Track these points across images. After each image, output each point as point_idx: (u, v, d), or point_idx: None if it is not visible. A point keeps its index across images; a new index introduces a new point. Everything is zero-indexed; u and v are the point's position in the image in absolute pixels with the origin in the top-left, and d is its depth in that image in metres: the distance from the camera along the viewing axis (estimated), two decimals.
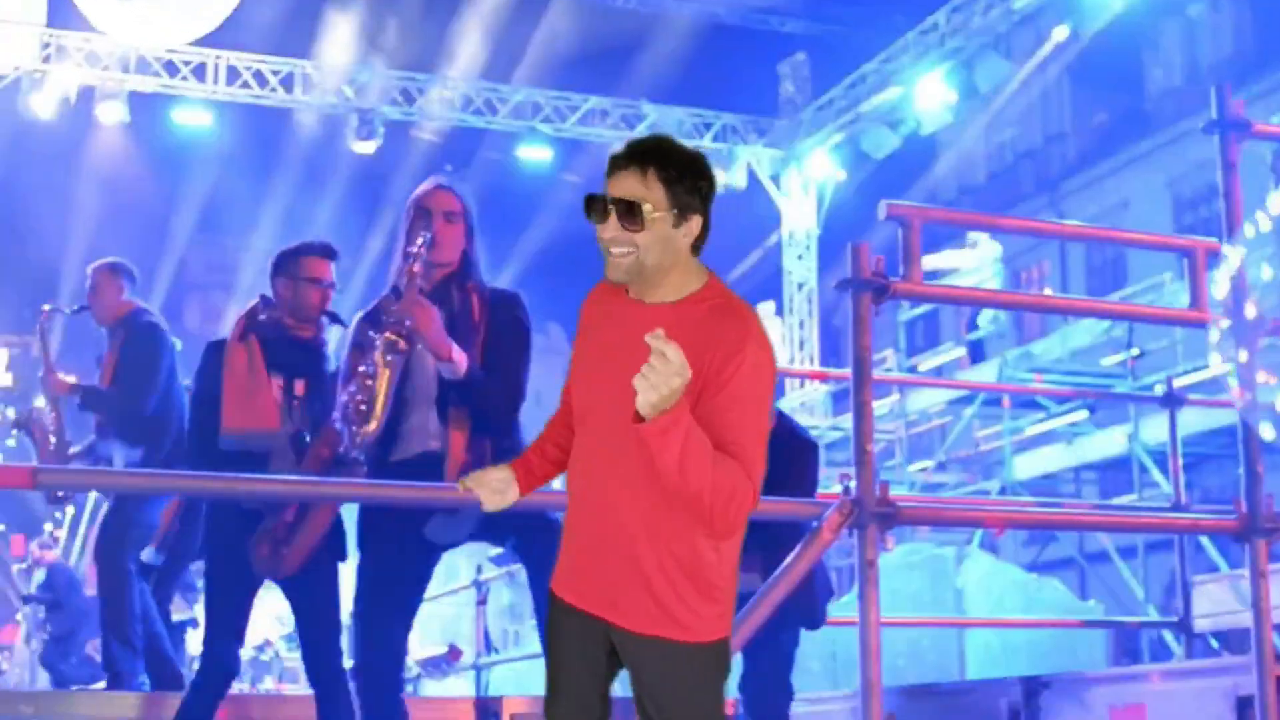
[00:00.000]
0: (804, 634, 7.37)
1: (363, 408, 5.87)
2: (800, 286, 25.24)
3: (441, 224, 6.09)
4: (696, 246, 3.86)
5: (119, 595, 8.79)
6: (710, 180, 3.87)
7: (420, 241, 5.97)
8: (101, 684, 8.93)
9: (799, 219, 25.33)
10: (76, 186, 29.09)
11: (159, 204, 31.29)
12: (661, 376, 3.42)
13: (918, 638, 13.48)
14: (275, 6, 23.66)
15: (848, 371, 5.96)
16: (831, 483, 17.72)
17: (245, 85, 22.37)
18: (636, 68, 25.43)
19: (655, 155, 3.80)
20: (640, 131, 23.59)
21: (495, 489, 4.14)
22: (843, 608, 15.58)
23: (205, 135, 23.48)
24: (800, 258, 25.34)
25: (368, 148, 22.44)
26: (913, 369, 21.81)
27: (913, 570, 14.37)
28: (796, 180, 25.22)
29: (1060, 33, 20.20)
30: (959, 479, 21.27)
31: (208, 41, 21.91)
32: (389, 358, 5.85)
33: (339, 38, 23.45)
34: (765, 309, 23.20)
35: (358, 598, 6.01)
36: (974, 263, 19.09)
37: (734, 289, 3.89)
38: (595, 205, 3.82)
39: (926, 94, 21.34)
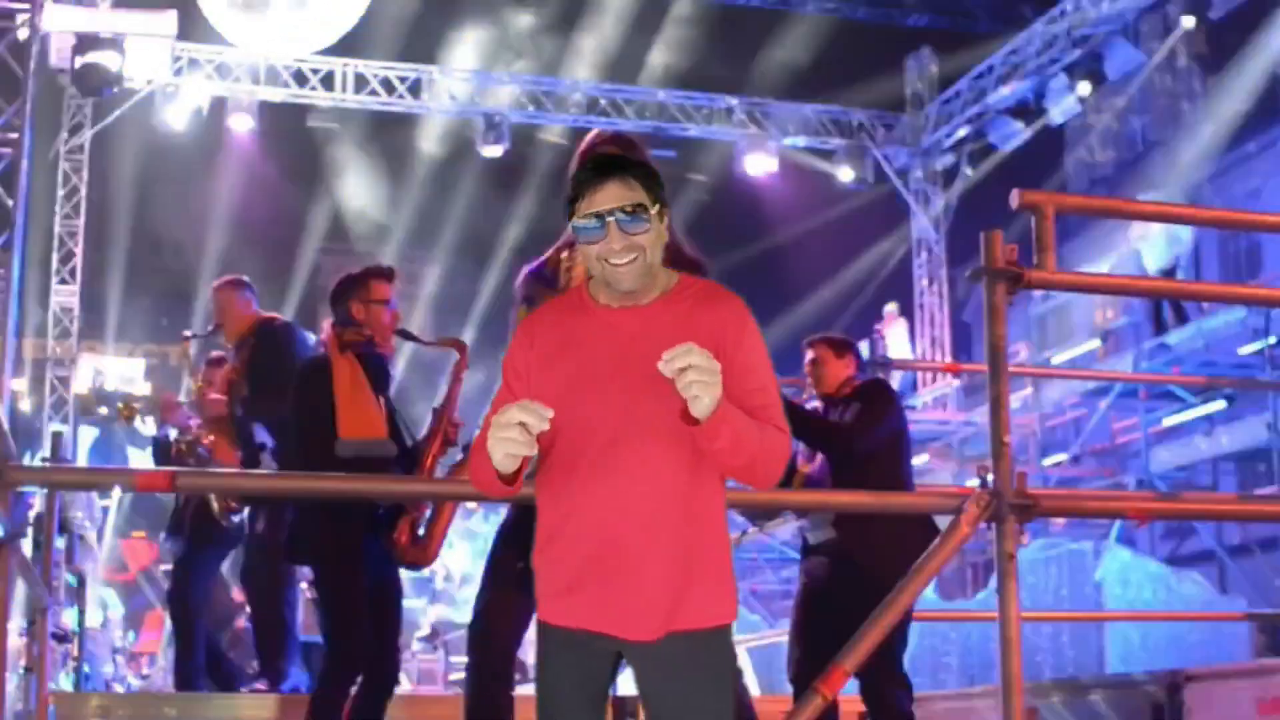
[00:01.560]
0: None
1: None
2: (930, 282, 25.08)
3: None
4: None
5: (272, 599, 8.97)
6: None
7: None
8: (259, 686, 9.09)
9: (927, 213, 25.17)
10: (209, 196, 29.46)
11: (290, 212, 31.61)
12: (709, 377, 3.55)
13: (1057, 632, 13.38)
14: (401, 14, 23.83)
15: (981, 365, 5.90)
16: (967, 477, 17.60)
17: (373, 92, 22.57)
18: (762, 66, 25.38)
19: (630, 163, 3.91)
20: (767, 130, 23.59)
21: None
22: (978, 603, 15.51)
23: (335, 143, 23.77)
24: (929, 252, 25.19)
25: (495, 151, 22.56)
26: (1045, 362, 21.62)
27: (1051, 565, 14.25)
28: (924, 174, 25.07)
29: (1188, 20, 19.91)
30: (1094, 472, 21.06)
31: (335, 50, 22.14)
32: None
33: (465, 43, 23.63)
34: (890, 309, 23.07)
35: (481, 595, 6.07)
36: None
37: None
38: (592, 223, 3.81)
39: (1054, 83, 21.14)
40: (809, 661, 6.98)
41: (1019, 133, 22.46)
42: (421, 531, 6.84)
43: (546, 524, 3.97)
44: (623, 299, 3.91)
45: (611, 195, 3.82)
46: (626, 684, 4.10)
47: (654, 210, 3.85)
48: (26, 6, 18.04)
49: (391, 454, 6.80)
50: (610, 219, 3.80)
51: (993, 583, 5.46)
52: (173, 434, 9.98)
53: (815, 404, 7.76)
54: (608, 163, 3.90)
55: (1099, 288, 7.28)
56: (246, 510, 9.15)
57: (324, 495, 6.36)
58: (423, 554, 6.81)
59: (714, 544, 3.93)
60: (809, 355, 7.73)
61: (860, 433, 7.28)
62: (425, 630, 17.37)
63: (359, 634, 6.69)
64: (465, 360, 7.18)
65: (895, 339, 21.97)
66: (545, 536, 3.96)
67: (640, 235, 3.82)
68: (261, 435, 8.77)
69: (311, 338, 9.06)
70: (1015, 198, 5.24)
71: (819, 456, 7.53)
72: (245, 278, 9.53)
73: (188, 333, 9.90)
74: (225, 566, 10.64)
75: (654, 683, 3.90)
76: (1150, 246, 18.25)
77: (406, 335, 7.26)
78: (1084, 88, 21.00)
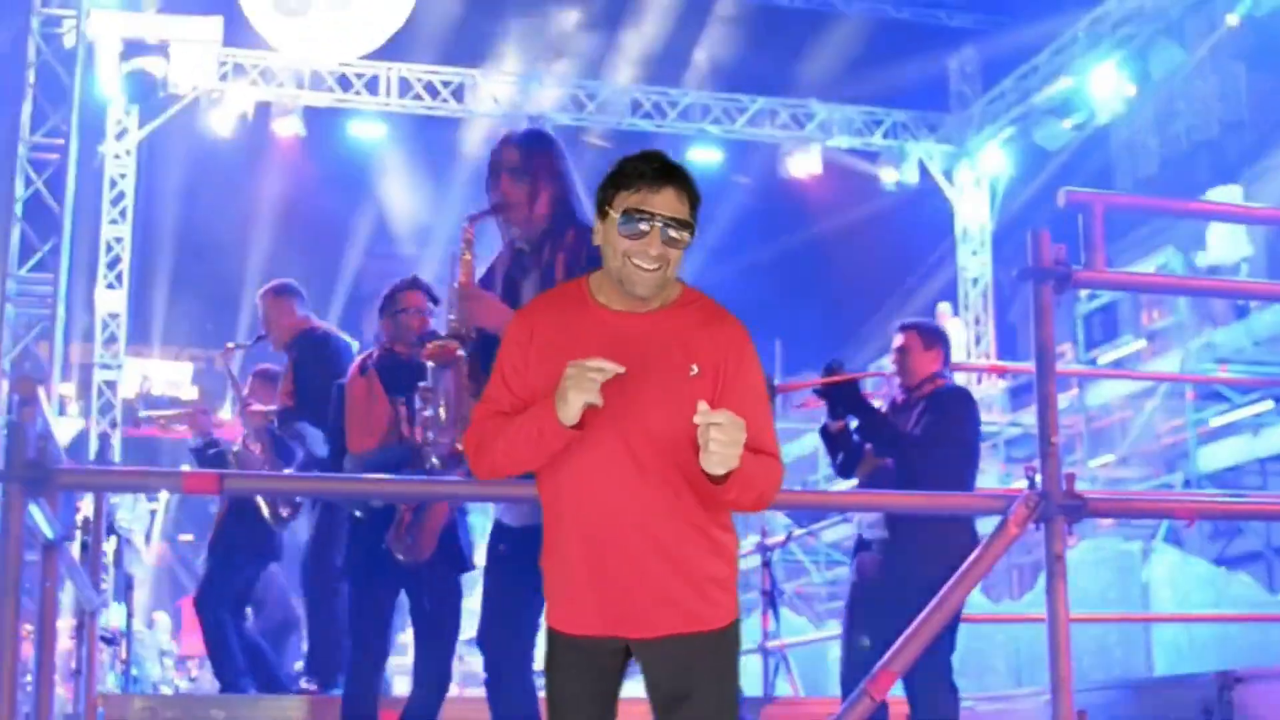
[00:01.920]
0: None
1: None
2: (975, 282, 25.00)
3: None
4: None
5: (325, 600, 9.02)
6: None
7: None
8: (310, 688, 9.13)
9: (972, 214, 25.09)
10: (254, 201, 29.55)
11: (335, 216, 31.68)
12: (733, 441, 3.63)
13: (1104, 634, 13.29)
14: (444, 18, 23.88)
15: (1028, 365, 5.87)
16: (1013, 479, 17.53)
17: (417, 96, 22.64)
18: (805, 66, 25.33)
19: (687, 178, 3.90)
20: (810, 131, 23.56)
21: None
22: (1024, 605, 15.44)
23: (379, 147, 23.83)
24: (974, 253, 25.11)
25: None
26: (1091, 363, 21.50)
27: (1098, 566, 14.16)
28: (969, 175, 24.99)
29: (1233, 18, 19.78)
30: (1142, 473, 20.94)
31: (379, 55, 22.19)
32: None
33: (508, 46, 23.67)
34: (942, 308, 23.00)
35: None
36: None
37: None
38: (640, 221, 3.82)
39: (1099, 83, 21.05)
40: (855, 660, 6.96)
41: (1064, 132, 22.35)
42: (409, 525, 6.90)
43: (549, 529, 4.00)
44: (629, 302, 3.91)
45: (668, 202, 3.83)
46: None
47: (693, 232, 3.87)
48: (73, 14, 18.16)
49: (392, 458, 6.87)
50: (657, 224, 3.81)
51: (1039, 584, 5.44)
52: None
53: (893, 394, 7.64)
54: (671, 169, 3.89)
55: (1149, 287, 7.22)
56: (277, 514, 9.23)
57: (368, 496, 6.39)
58: (412, 548, 6.83)
59: (714, 543, 3.95)
60: (898, 341, 7.51)
61: (928, 448, 7.14)
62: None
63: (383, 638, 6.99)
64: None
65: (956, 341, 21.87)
66: (549, 542, 4.00)
67: (675, 250, 3.84)
68: (307, 437, 8.78)
69: (354, 344, 9.11)
70: (1063, 196, 5.22)
71: None
72: (291, 281, 9.55)
73: (231, 344, 9.93)
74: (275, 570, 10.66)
75: (662, 681, 3.93)
76: (1220, 242, 18.19)
77: (433, 336, 7.27)
78: (1129, 86, 20.89)
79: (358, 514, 6.93)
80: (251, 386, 9.90)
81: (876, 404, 7.59)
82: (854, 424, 7.42)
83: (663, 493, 3.85)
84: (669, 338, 3.87)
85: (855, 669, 6.88)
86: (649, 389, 3.81)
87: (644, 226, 3.81)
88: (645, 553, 3.85)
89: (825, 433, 7.57)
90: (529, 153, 5.85)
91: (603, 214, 3.89)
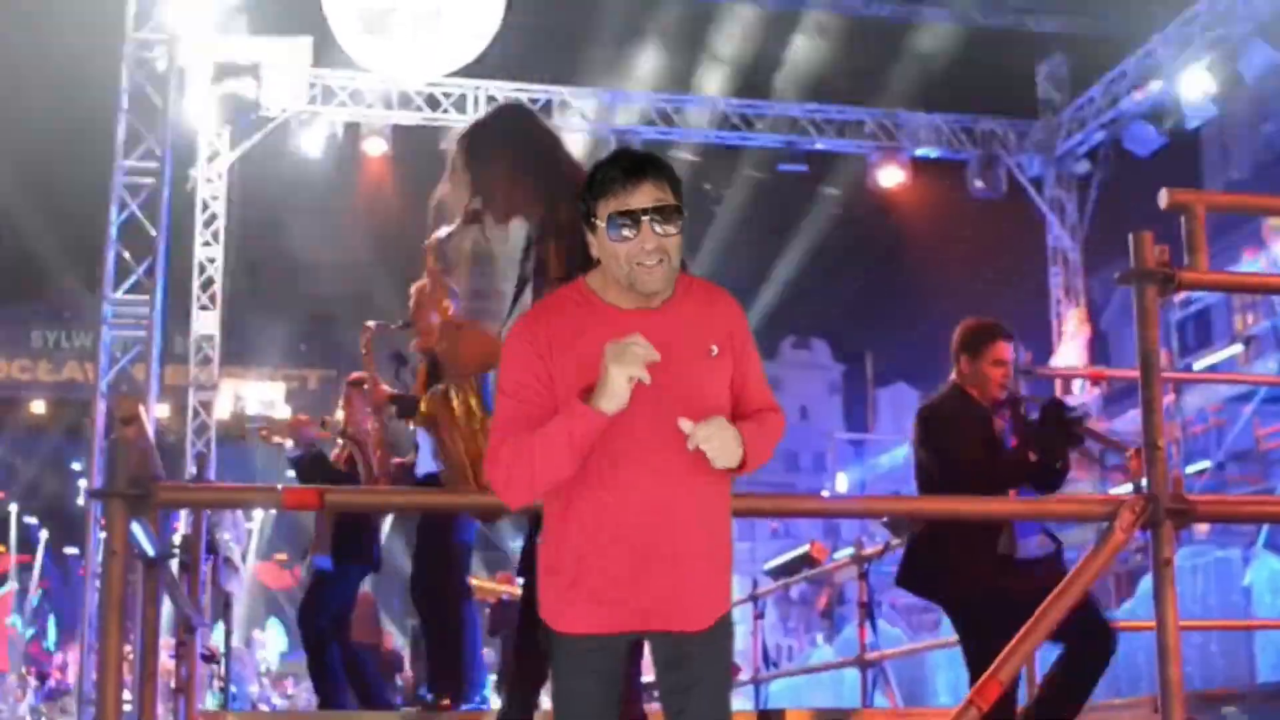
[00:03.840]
0: None
1: None
2: (1066, 291, 24.79)
3: None
4: None
5: (448, 614, 9.01)
6: None
7: None
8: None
9: (1062, 222, 24.89)
10: (345, 221, 29.74)
11: (425, 235, 31.84)
12: (724, 442, 3.84)
13: (1205, 641, 13.17)
14: (530, 35, 23.94)
15: (1129, 371, 5.78)
16: (1109, 487, 17.36)
17: None
18: (892, 77, 25.23)
19: (660, 165, 3.95)
20: (898, 142, 23.44)
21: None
22: (1125, 613, 15.30)
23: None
24: (1065, 261, 24.89)
25: None
26: (1186, 368, 21.32)
27: (1198, 573, 14.05)
28: (1058, 182, 24.78)
29: None
30: (1239, 478, 20.73)
31: (466, 73, 22.28)
32: None
33: (595, 61, 23.71)
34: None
35: None
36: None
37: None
38: (625, 224, 3.85)
39: (1190, 86, 20.82)
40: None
41: (1154, 138, 22.12)
42: None
43: (569, 535, 3.99)
44: (638, 299, 3.95)
45: (647, 196, 3.87)
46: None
47: (683, 217, 3.91)
48: (165, 38, 18.34)
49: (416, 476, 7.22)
50: (645, 219, 3.84)
51: (1138, 591, 5.37)
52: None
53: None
54: (640, 162, 3.93)
55: (1256, 288, 7.09)
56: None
57: (469, 509, 6.43)
58: None
59: (726, 536, 4.07)
60: (1014, 354, 7.35)
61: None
62: None
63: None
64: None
65: (1070, 348, 21.69)
66: (568, 548, 3.98)
67: (670, 238, 3.87)
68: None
69: None
70: (1164, 197, 5.14)
71: None
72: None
73: (371, 322, 9.67)
74: (368, 584, 10.72)
75: (697, 669, 3.99)
76: None
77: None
78: (1220, 90, 20.67)
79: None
80: (346, 394, 9.94)
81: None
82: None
83: (707, 479, 3.94)
84: (683, 326, 3.97)
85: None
86: (679, 380, 3.89)
87: (631, 226, 3.85)
88: (694, 538, 3.95)
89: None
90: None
91: (591, 226, 3.92)
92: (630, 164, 3.90)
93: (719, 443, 3.82)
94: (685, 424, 3.80)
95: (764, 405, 4.09)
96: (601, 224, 3.88)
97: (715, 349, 3.99)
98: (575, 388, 3.86)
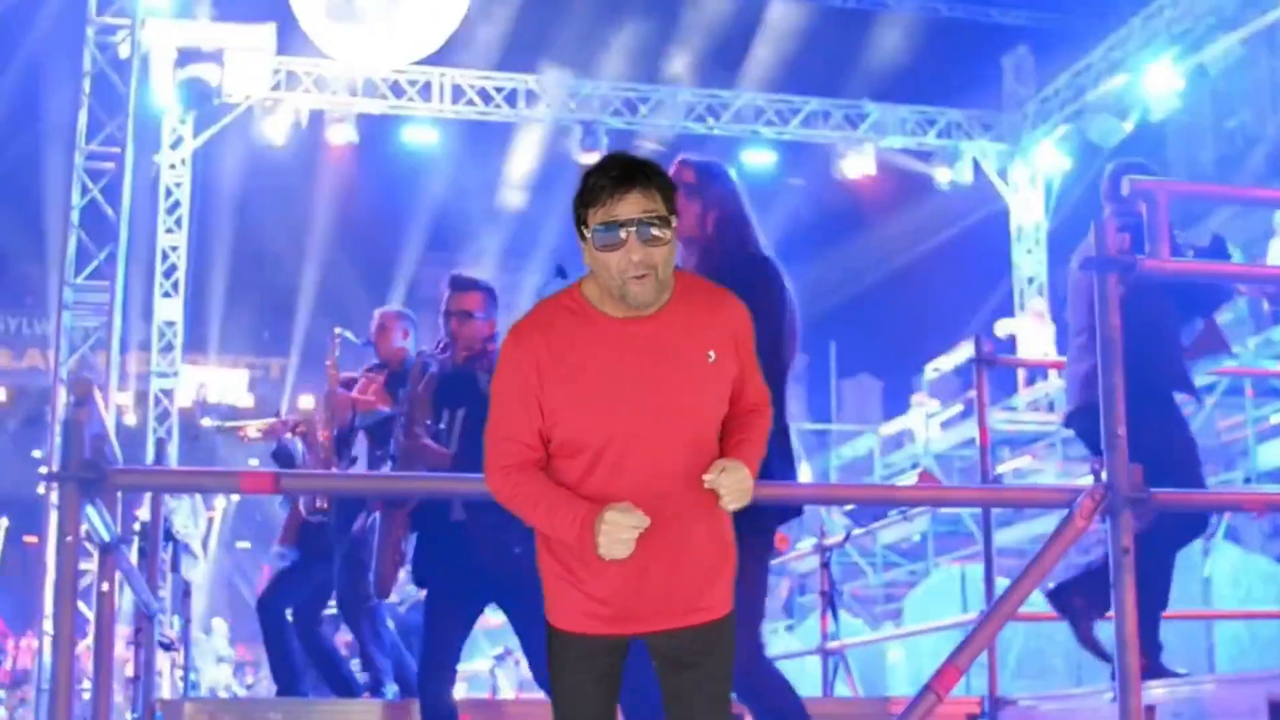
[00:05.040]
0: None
1: None
2: (1030, 281, 24.85)
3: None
4: None
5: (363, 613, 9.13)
6: None
7: None
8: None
9: (1027, 213, 24.95)
10: (309, 208, 29.66)
11: (389, 223, 31.78)
12: (738, 482, 3.80)
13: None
14: (496, 24, 23.91)
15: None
16: (1070, 478, 17.39)
17: (470, 102, 22.65)
18: (857, 67, 25.25)
19: (653, 172, 3.83)
20: (864, 132, 23.48)
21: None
22: None
23: (432, 153, 23.87)
24: (1029, 252, 24.95)
25: (592, 158, 22.50)
26: None
27: None
28: (1023, 173, 24.85)
29: None
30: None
31: (432, 61, 22.22)
32: None
33: (561, 50, 23.67)
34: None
35: None
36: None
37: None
38: (611, 233, 3.77)
39: (1154, 80, 20.87)
40: None
41: (1119, 130, 22.16)
42: None
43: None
44: (630, 308, 3.87)
45: (634, 205, 3.77)
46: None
47: (674, 225, 3.82)
48: (128, 22, 18.24)
49: None
50: (631, 229, 3.76)
51: None
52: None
53: None
54: (630, 171, 3.82)
55: (1219, 276, 7.06)
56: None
57: (420, 494, 6.43)
58: None
59: (727, 537, 4.05)
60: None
61: None
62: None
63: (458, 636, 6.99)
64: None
65: (1032, 337, 21.70)
66: (570, 552, 3.95)
67: (658, 248, 3.78)
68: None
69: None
70: (1126, 185, 5.14)
71: None
72: (409, 311, 9.77)
73: (339, 330, 9.77)
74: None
75: (702, 669, 3.99)
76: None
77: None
78: (1183, 83, 20.72)
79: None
80: (365, 376, 9.91)
81: None
82: None
83: (694, 493, 3.87)
84: (680, 333, 3.89)
85: None
86: (675, 388, 3.86)
87: (617, 237, 3.76)
88: (697, 541, 3.93)
89: None
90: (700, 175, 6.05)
91: (581, 236, 3.85)
92: (620, 172, 3.80)
93: (740, 492, 3.82)
94: (708, 477, 3.80)
95: (756, 402, 4.05)
96: (590, 233, 3.81)
97: (713, 355, 3.90)
98: (566, 395, 3.84)
